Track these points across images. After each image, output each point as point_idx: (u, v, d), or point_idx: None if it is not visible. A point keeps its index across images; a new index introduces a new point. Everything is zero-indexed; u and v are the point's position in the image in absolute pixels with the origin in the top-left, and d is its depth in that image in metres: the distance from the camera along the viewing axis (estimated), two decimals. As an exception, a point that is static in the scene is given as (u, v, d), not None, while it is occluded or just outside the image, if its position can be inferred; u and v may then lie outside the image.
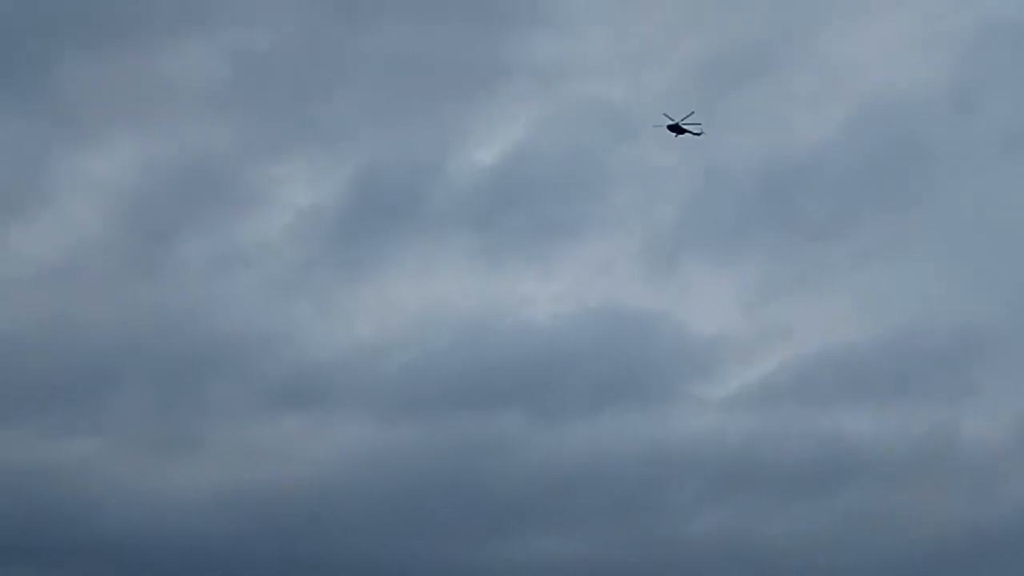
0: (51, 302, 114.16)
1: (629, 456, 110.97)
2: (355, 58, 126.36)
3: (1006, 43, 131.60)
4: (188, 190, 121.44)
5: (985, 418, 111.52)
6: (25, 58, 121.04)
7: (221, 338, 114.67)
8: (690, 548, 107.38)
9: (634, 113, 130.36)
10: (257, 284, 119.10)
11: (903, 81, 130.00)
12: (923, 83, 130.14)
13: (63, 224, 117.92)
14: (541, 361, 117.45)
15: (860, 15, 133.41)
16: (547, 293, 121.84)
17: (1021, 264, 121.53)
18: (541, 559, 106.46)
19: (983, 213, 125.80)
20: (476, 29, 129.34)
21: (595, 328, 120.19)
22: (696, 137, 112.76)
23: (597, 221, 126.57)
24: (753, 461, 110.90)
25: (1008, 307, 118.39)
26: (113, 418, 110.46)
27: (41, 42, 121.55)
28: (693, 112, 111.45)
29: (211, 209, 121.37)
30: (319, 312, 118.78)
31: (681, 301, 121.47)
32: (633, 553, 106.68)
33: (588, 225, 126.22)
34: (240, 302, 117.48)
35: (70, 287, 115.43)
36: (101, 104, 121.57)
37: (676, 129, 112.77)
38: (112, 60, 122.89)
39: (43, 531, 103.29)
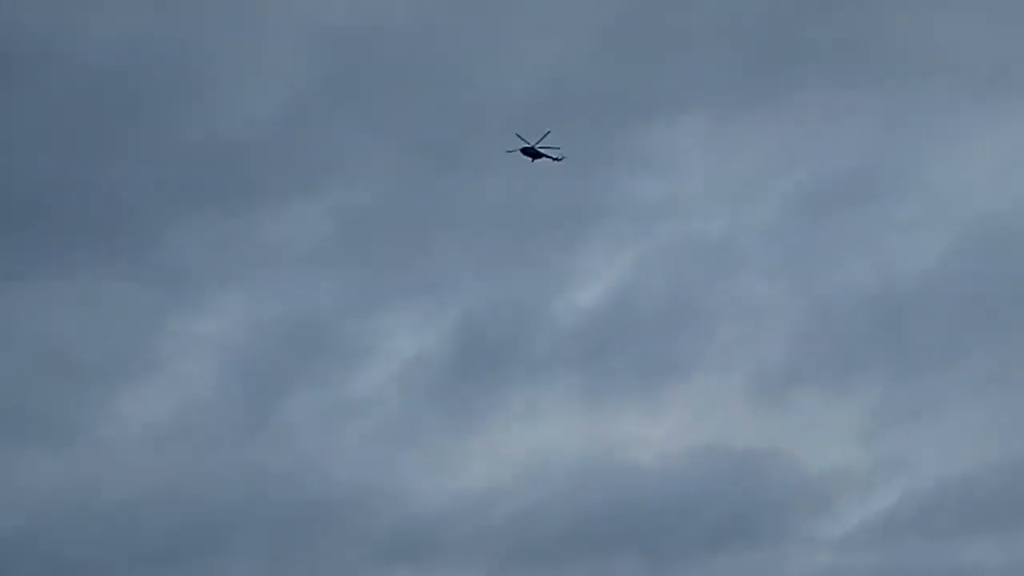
0: (162, 464, 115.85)
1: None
2: (454, 207, 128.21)
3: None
4: (295, 346, 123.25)
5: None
6: (134, 223, 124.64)
7: (330, 493, 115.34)
8: None
9: (735, 249, 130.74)
10: (364, 437, 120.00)
11: (1006, 205, 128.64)
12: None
13: (173, 386, 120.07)
14: (651, 504, 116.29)
15: (960, 140, 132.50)
16: (654, 434, 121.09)
17: None
18: None
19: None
20: (573, 171, 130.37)
21: (705, 468, 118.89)
22: (556, 163, 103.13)
23: (703, 358, 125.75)
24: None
25: None
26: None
27: (150, 208, 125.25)
28: (549, 132, 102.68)
29: (318, 364, 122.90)
30: (426, 462, 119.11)
31: (792, 437, 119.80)
32: None
33: (694, 363, 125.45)
34: (348, 455, 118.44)
35: (181, 448, 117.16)
36: (208, 266, 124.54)
37: (532, 153, 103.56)
38: (217, 223, 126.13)
39: None
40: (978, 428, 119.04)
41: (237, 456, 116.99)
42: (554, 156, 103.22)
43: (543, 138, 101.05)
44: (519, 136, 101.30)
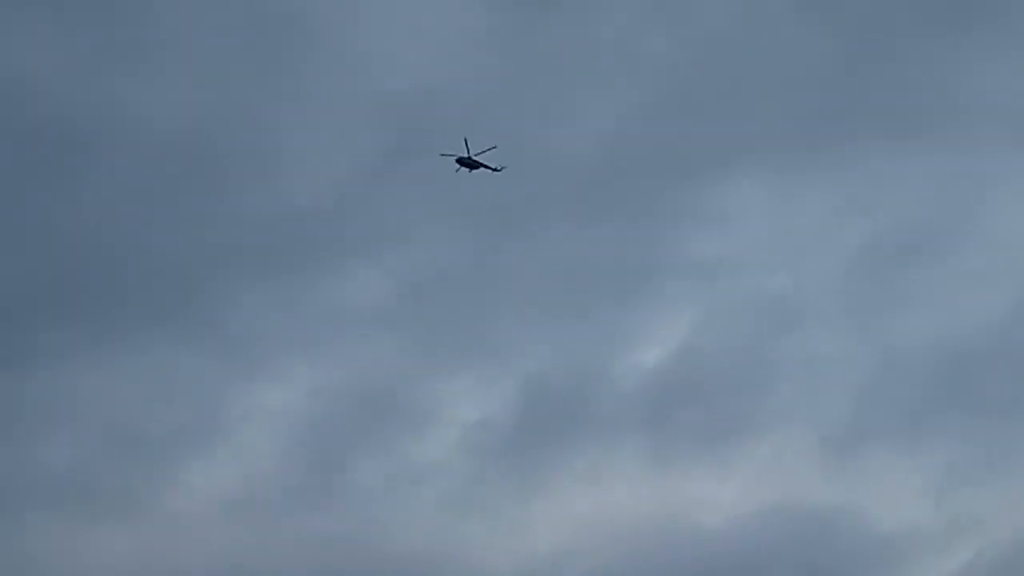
0: (231, 534, 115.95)
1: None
2: (514, 269, 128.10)
3: None
4: (359, 413, 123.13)
5: None
6: (199, 294, 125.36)
7: (397, 560, 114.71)
8: None
9: (799, 303, 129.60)
10: (430, 502, 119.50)
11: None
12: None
13: (240, 456, 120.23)
14: (721, 565, 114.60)
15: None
16: (722, 494, 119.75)
17: None
18: None
19: None
20: (632, 229, 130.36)
21: (774, 527, 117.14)
22: (496, 172, 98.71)
23: (769, 416, 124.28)
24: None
25: None
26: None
27: (213, 278, 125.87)
28: (495, 147, 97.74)
29: (382, 430, 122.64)
30: (492, 527, 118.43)
31: (863, 494, 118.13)
32: None
33: (760, 421, 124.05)
34: (414, 521, 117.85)
35: (248, 518, 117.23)
36: (272, 334, 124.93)
37: (469, 163, 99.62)
38: (280, 290, 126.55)
39: None
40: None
41: (303, 524, 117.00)
42: (493, 167, 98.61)
43: (486, 151, 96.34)
44: (465, 142, 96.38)
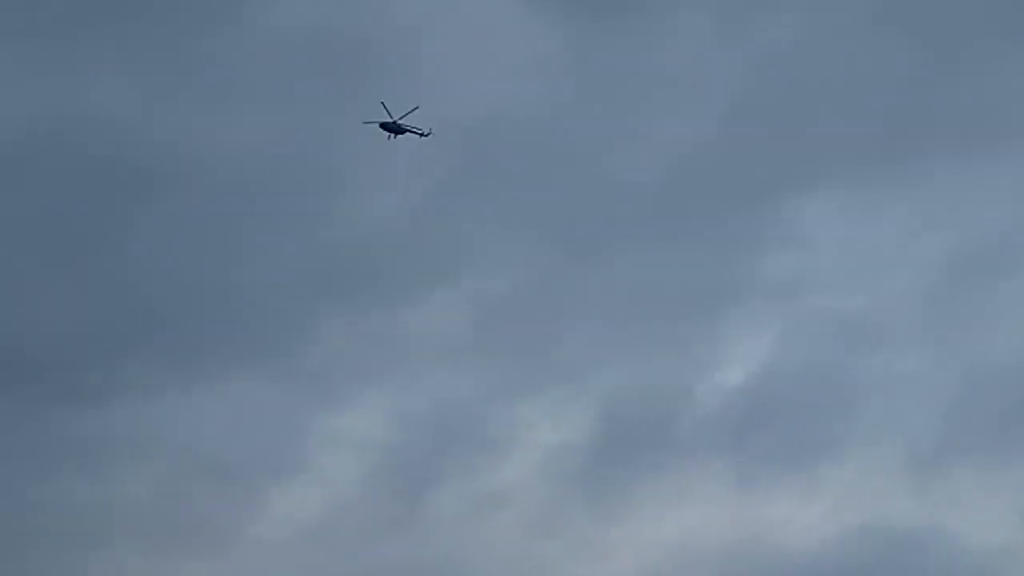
0: (314, 561, 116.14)
1: None
2: (591, 292, 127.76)
3: None
4: (438, 439, 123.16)
5: None
6: (276, 324, 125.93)
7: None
8: None
9: (878, 321, 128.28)
10: (510, 527, 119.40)
11: None
12: None
13: (320, 484, 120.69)
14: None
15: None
16: (807, 515, 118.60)
17: None
18: None
19: None
20: (708, 250, 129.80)
21: (861, 549, 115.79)
22: (423, 138, 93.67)
23: (853, 435, 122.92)
24: None
25: None
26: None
27: (290, 308, 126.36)
28: (417, 107, 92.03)
29: (461, 456, 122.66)
30: (573, 551, 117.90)
31: (953, 513, 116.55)
32: None
33: (844, 441, 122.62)
34: (495, 547, 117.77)
35: (331, 545, 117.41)
36: (349, 362, 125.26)
37: (393, 129, 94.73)
38: (357, 319, 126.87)
39: None
40: None
41: (385, 551, 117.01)
42: (420, 131, 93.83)
43: (409, 113, 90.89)
44: (383, 105, 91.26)
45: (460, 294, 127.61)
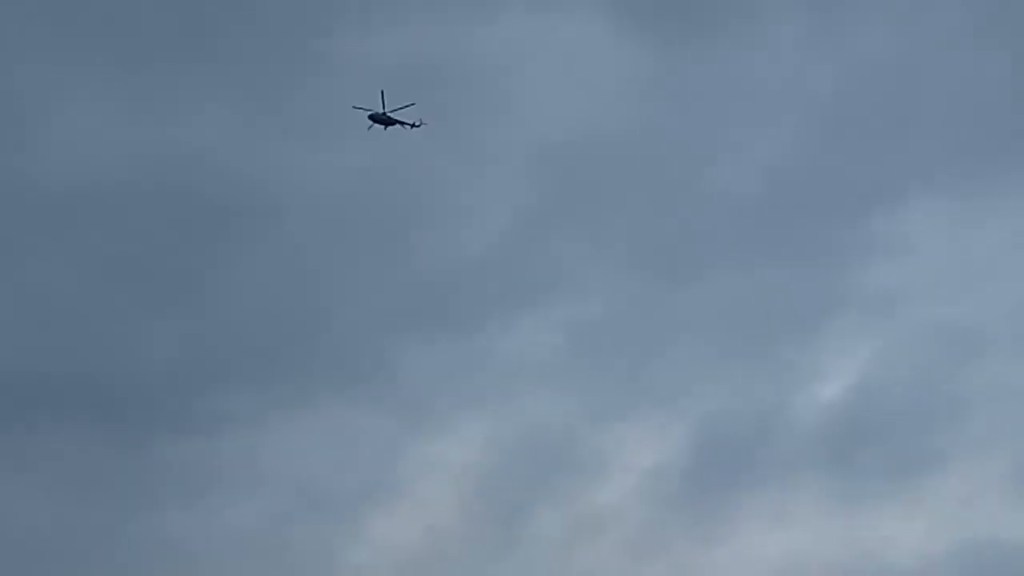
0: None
1: None
2: (684, 311, 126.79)
3: None
4: (535, 464, 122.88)
5: None
6: (371, 354, 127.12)
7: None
8: None
9: (982, 331, 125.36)
10: (610, 550, 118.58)
11: None
12: None
13: (418, 510, 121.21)
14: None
15: None
16: (912, 532, 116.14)
17: None
18: None
19: None
20: (805, 265, 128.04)
21: (968, 565, 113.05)
22: (413, 128, 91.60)
23: (958, 448, 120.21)
24: None
25: None
26: None
27: (385, 337, 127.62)
28: (414, 104, 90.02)
29: (559, 480, 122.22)
30: (674, 573, 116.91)
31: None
32: None
33: (949, 454, 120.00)
34: (594, 571, 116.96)
35: (429, 572, 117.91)
36: (446, 390, 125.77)
37: (383, 120, 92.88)
38: (450, 346, 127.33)
39: None
40: None
41: (485, 575, 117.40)
42: (410, 123, 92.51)
43: (403, 108, 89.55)
44: (382, 96, 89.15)
45: (553, 317, 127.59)
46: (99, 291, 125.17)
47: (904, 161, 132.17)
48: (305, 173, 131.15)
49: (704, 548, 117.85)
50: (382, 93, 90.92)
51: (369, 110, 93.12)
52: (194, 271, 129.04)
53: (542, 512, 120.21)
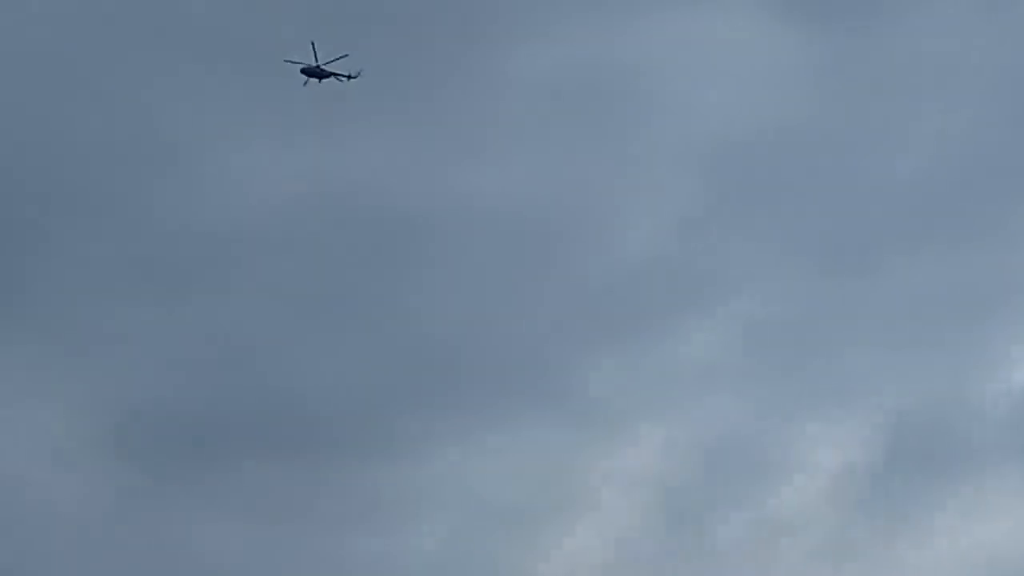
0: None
1: None
2: (858, 306, 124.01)
3: None
4: (719, 469, 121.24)
5: None
6: (549, 367, 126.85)
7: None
8: None
9: None
10: (801, 553, 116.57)
11: None
12: None
13: (604, 521, 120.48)
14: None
15: None
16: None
17: None
18: None
19: None
20: (980, 251, 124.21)
21: None
22: (349, 80, 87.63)
23: None
24: None
25: None
26: None
27: (560, 348, 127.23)
28: (347, 55, 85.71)
29: (744, 484, 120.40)
30: (867, 574, 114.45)
31: None
32: None
33: None
34: (785, 573, 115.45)
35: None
36: (625, 398, 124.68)
37: (316, 73, 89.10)
38: (629, 354, 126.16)
39: None
40: None
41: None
42: (346, 75, 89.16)
43: (336, 60, 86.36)
44: (313, 47, 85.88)
45: (725, 318, 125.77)
46: (287, 325, 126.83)
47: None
48: (471, 190, 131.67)
49: (900, 547, 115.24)
50: (312, 44, 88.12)
51: (301, 63, 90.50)
52: (368, 295, 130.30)
53: (730, 518, 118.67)
